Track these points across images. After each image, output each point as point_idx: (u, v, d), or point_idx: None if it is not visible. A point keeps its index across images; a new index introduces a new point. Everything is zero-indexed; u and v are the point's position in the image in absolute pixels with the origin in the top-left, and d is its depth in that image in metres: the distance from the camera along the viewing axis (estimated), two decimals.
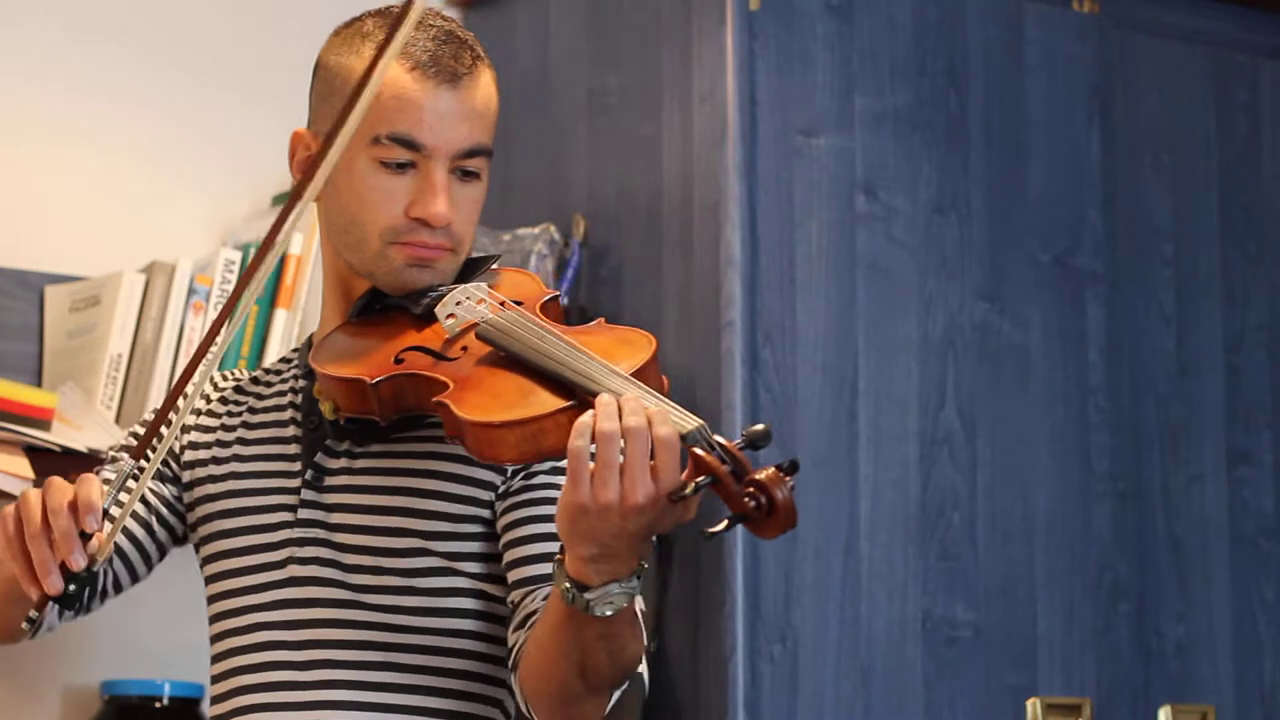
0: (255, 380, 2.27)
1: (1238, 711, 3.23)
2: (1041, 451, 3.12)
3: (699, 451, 1.74)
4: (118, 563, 2.20)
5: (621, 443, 1.75)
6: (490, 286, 2.11)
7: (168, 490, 2.23)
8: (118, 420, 2.90)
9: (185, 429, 2.25)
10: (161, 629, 3.09)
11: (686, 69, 3.04)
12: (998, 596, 3.05)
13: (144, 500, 2.21)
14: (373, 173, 2.09)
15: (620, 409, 1.77)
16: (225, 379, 2.29)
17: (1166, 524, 3.22)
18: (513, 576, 2.04)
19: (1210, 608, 3.23)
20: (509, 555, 2.05)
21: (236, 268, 3.00)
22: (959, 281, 3.09)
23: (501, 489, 2.08)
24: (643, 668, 1.98)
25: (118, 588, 2.22)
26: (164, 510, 2.23)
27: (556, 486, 2.04)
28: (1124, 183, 3.26)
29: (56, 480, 1.92)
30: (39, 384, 2.98)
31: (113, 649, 3.06)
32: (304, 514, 2.11)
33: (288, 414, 2.19)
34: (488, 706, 2.10)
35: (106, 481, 2.00)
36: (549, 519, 2.02)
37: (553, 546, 1.99)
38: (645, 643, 1.92)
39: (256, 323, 2.99)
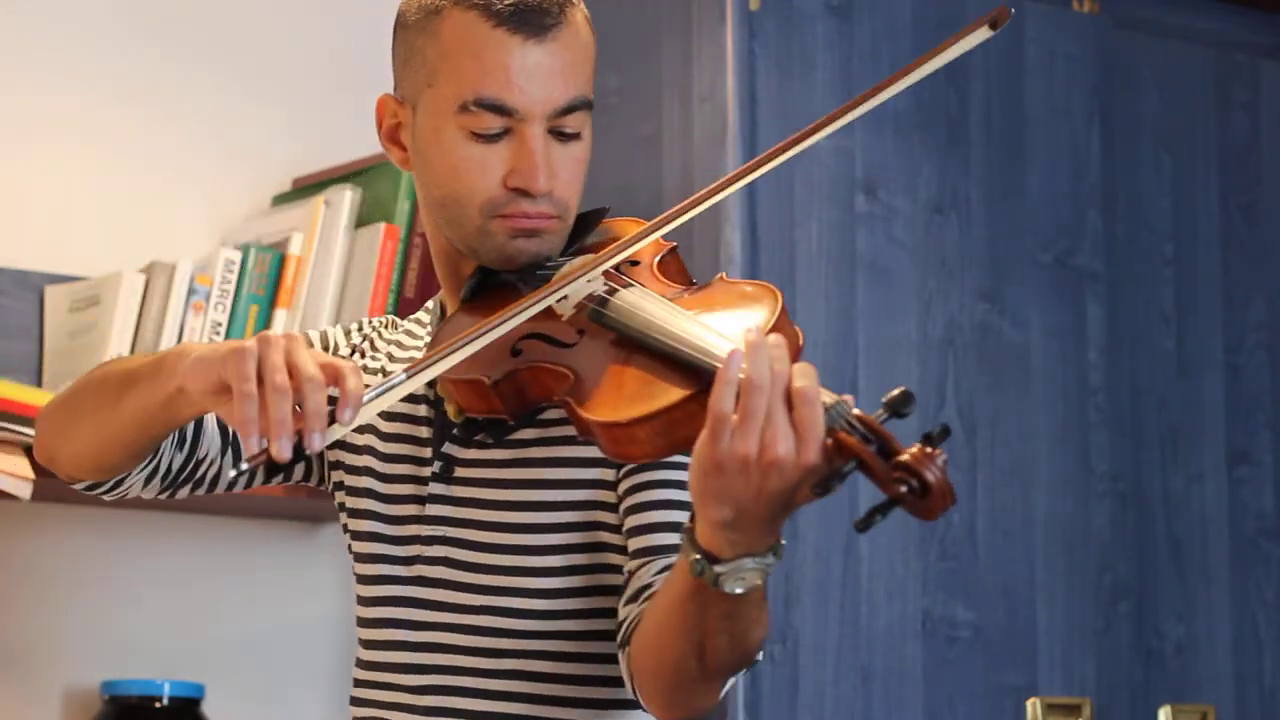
0: (386, 338, 2.12)
1: (1238, 711, 3.23)
2: (1041, 451, 3.12)
3: (842, 434, 1.60)
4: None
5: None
6: (602, 245, 1.95)
7: None
8: None
9: None
10: (161, 629, 3.09)
11: (686, 69, 3.04)
12: (998, 596, 3.05)
13: None
14: (463, 143, 1.94)
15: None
16: (358, 330, 2.15)
17: (1166, 524, 3.22)
18: (631, 545, 1.89)
19: (1210, 608, 3.24)
20: (628, 523, 1.90)
21: (236, 267, 2.99)
22: (959, 281, 3.09)
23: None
24: None
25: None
26: None
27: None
28: (1124, 183, 3.26)
29: (303, 342, 1.75)
30: (39, 384, 2.98)
31: (113, 649, 3.06)
32: (431, 510, 1.99)
33: (422, 389, 2.01)
34: (631, 712, 1.96)
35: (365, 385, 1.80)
36: (673, 485, 1.89)
37: (676, 515, 1.87)
38: (768, 629, 1.77)
39: (256, 324, 2.99)
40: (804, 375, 1.61)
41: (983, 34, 1.80)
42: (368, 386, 1.76)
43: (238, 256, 3.01)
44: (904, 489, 1.58)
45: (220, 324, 2.97)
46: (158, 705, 2.94)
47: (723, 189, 1.88)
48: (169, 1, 3.22)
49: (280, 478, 2.13)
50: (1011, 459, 3.10)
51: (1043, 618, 3.08)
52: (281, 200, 3.22)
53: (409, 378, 1.79)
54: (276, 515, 3.15)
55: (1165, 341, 3.27)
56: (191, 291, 2.97)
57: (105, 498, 2.06)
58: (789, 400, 1.60)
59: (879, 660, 2.96)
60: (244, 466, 1.76)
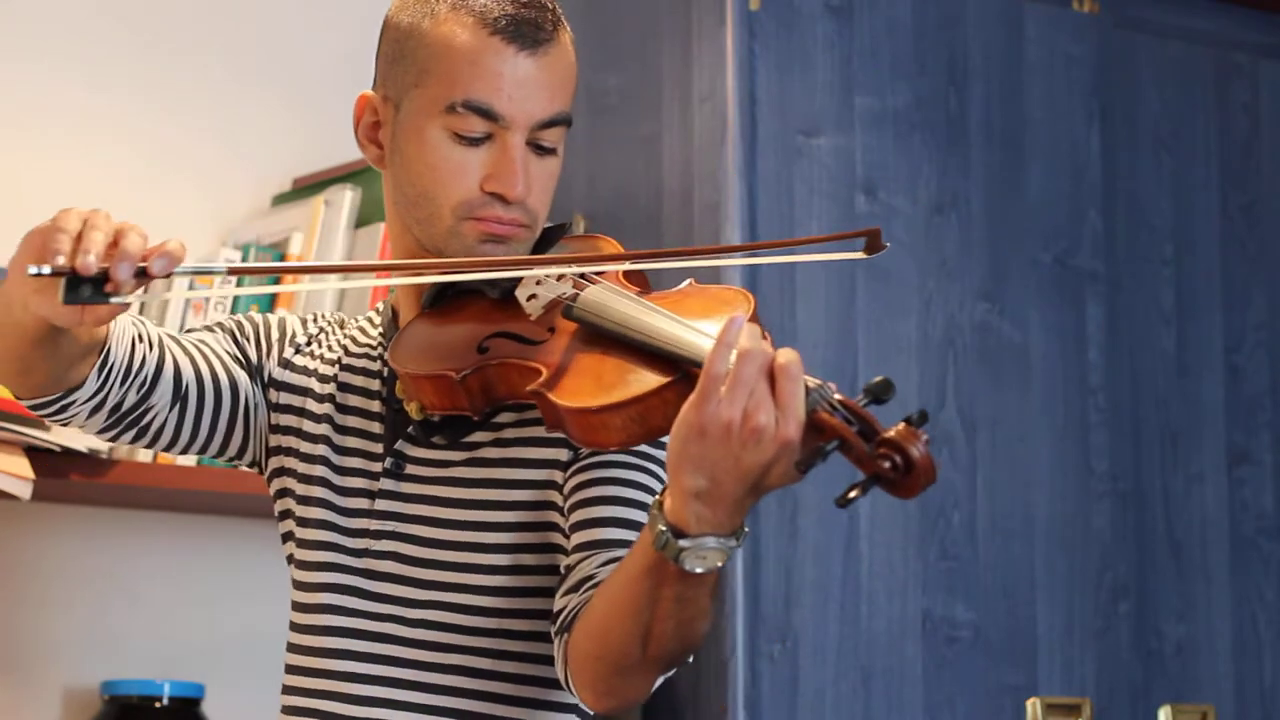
0: (337, 335, 2.15)
1: (1238, 711, 3.23)
2: (1041, 451, 3.12)
3: (822, 414, 1.65)
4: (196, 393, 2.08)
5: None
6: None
7: (253, 390, 2.13)
8: None
9: (285, 363, 2.14)
10: (161, 629, 3.09)
11: (686, 69, 3.04)
12: (998, 596, 3.05)
13: (227, 377, 2.11)
14: (445, 143, 1.99)
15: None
16: (314, 321, 2.18)
17: (1166, 524, 3.22)
18: (574, 540, 1.92)
19: (1210, 608, 3.24)
20: (573, 518, 1.94)
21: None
22: (959, 281, 3.09)
23: (567, 461, 1.97)
24: None
25: (184, 431, 2.10)
26: (243, 402, 2.12)
27: (631, 452, 1.95)
28: (1124, 183, 3.26)
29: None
30: None
31: (113, 649, 3.06)
32: (381, 505, 2.03)
33: (376, 384, 2.09)
34: (562, 715, 2.01)
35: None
36: (621, 483, 1.94)
37: (622, 511, 1.92)
38: (711, 623, 1.80)
39: None
40: (788, 354, 1.66)
41: (856, 253, 1.88)
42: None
43: (238, 256, 3.01)
44: (887, 464, 1.64)
45: None
46: (158, 705, 2.93)
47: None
48: (169, 4, 3.22)
49: (215, 447, 2.13)
50: (1011, 459, 3.10)
51: (1043, 618, 3.08)
52: (282, 200, 3.22)
53: (232, 273, 1.90)
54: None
55: (1165, 341, 3.27)
56: (191, 291, 2.97)
57: (53, 420, 2.04)
58: (772, 376, 1.65)
59: (879, 660, 2.96)
60: (45, 268, 1.74)
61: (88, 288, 1.74)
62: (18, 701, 3.01)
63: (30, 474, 2.73)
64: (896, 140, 3.08)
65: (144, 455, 2.89)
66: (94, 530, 3.08)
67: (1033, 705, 3.04)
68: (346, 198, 3.06)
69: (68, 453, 2.79)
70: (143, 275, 1.76)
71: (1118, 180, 3.25)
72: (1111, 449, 3.18)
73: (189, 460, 2.90)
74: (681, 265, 2.03)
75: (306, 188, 3.19)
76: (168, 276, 1.79)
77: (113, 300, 1.75)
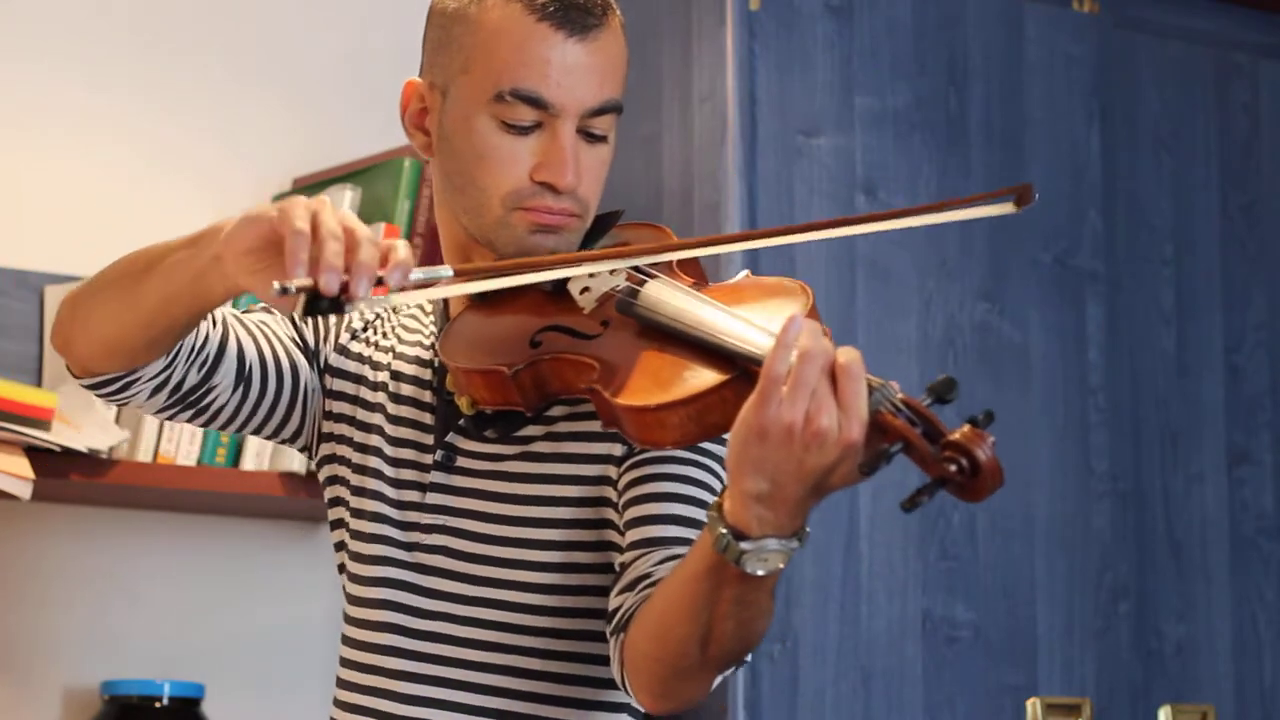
0: (392, 321, 2.12)
1: (1238, 711, 3.23)
2: (1041, 451, 3.12)
3: (886, 415, 1.62)
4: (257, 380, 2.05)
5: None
6: (619, 247, 1.97)
7: (311, 375, 2.09)
8: (117, 420, 2.90)
9: (341, 349, 2.11)
10: (161, 629, 3.09)
11: (686, 69, 3.04)
12: (998, 596, 3.05)
13: (289, 359, 2.07)
14: (494, 133, 1.95)
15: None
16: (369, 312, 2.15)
17: (1166, 524, 3.23)
18: (629, 537, 1.89)
19: (1210, 608, 3.24)
20: (629, 514, 1.91)
21: None
22: (959, 281, 3.09)
23: (621, 456, 1.94)
24: None
25: (237, 409, 2.06)
26: (303, 390, 2.08)
27: (688, 448, 1.91)
28: (1124, 183, 3.26)
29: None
30: (39, 384, 2.98)
31: (113, 649, 3.06)
32: (432, 498, 2.00)
33: (428, 374, 2.05)
34: (613, 715, 1.98)
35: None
36: (678, 479, 1.91)
37: (678, 508, 1.89)
38: (771, 623, 1.78)
39: None
40: (849, 354, 1.63)
41: (1006, 208, 1.82)
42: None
43: None
44: (953, 468, 1.60)
45: None
46: (158, 705, 2.93)
47: (776, 235, 1.92)
48: (170, 1, 3.22)
49: (271, 429, 2.10)
50: (1011, 459, 3.09)
51: (1043, 618, 3.08)
52: (282, 199, 3.21)
53: (458, 277, 1.82)
54: (276, 515, 3.15)
55: (1165, 341, 3.27)
56: None
57: (110, 400, 2.01)
58: (834, 377, 1.62)
59: (879, 660, 2.96)
60: (291, 286, 1.68)
61: (326, 301, 1.70)
62: (18, 701, 3.01)
63: (30, 474, 2.73)
64: (896, 140, 3.08)
65: (144, 455, 2.89)
66: (94, 530, 3.08)
67: (1033, 705, 3.04)
68: (346, 198, 3.06)
69: (68, 453, 2.79)
70: (378, 284, 1.72)
71: (1118, 180, 3.25)
72: (1111, 449, 3.18)
73: (189, 460, 2.90)
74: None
75: (306, 188, 3.19)
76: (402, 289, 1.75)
77: (346, 309, 1.72)
